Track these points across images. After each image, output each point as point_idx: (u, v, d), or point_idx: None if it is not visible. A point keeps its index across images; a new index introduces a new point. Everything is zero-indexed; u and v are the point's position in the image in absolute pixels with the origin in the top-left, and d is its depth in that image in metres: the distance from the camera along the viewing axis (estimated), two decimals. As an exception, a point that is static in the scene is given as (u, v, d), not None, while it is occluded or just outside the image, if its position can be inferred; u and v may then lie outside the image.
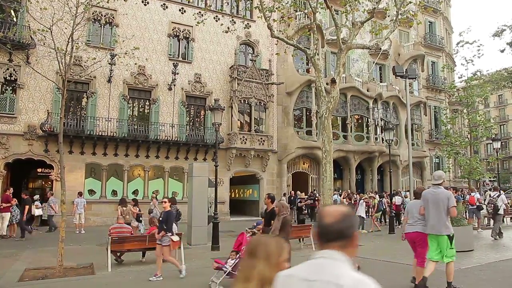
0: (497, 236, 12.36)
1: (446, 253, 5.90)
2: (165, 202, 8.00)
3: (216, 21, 21.50)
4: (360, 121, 26.42)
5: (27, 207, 13.91)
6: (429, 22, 33.12)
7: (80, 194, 16.09)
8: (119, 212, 11.74)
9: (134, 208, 12.66)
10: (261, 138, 22.00)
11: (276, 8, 13.53)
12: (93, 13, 16.71)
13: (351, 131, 25.27)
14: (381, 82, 28.58)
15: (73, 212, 15.46)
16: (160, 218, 7.85)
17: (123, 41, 16.39)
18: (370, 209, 17.36)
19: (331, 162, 12.76)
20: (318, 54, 15.55)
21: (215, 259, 7.04)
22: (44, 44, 10.02)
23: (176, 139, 19.81)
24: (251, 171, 22.63)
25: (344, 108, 25.17)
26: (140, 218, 12.71)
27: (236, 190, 26.38)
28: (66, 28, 9.37)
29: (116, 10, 19.45)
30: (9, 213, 13.67)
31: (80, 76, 16.70)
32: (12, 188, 14.53)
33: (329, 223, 1.61)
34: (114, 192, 19.12)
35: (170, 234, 7.55)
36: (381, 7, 25.19)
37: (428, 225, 6.03)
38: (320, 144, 17.32)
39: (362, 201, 15.58)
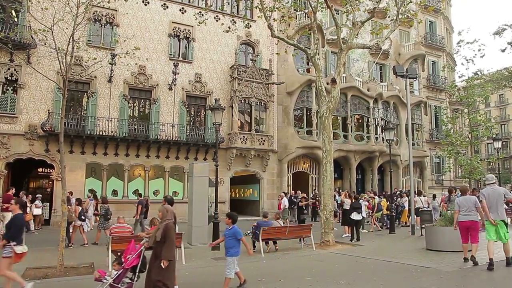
0: None
1: (506, 235, 7.80)
2: (11, 204, 6.64)
3: (217, 21, 21.55)
4: (360, 120, 26.42)
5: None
6: (429, 21, 33.10)
7: (71, 193, 16.03)
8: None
9: (77, 207, 12.79)
10: (262, 138, 22.01)
11: (277, 8, 13.56)
12: (93, 13, 16.74)
13: (351, 131, 25.27)
14: (381, 81, 28.59)
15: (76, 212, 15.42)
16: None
17: (124, 41, 16.40)
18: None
19: (332, 162, 12.80)
20: (318, 53, 15.58)
21: (99, 269, 6.31)
22: (45, 44, 10.04)
23: (176, 139, 19.83)
24: (252, 171, 22.64)
25: (345, 108, 25.18)
26: (83, 217, 12.77)
27: (237, 189, 26.39)
28: (67, 28, 9.39)
29: (116, 10, 19.47)
30: (11, 213, 13.68)
31: (80, 76, 16.74)
32: (14, 188, 14.55)
33: None
34: (115, 192, 19.14)
35: (14, 243, 6.10)
36: (382, 6, 25.27)
37: (491, 214, 7.80)
38: (320, 144, 17.36)
39: (362, 200, 15.56)
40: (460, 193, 8.99)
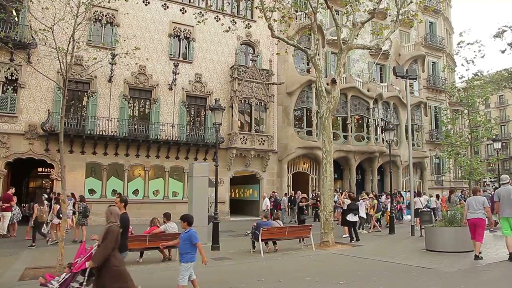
0: None
1: None
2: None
3: (217, 21, 21.56)
4: (360, 121, 26.43)
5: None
6: (429, 22, 33.12)
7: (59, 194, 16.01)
8: (35, 211, 12.28)
9: (55, 205, 13.10)
10: (262, 138, 22.01)
11: (277, 8, 13.57)
12: (94, 13, 16.70)
13: (351, 131, 25.27)
14: (381, 82, 28.60)
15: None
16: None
17: (124, 40, 16.39)
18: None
19: (332, 162, 12.80)
20: (318, 54, 15.61)
21: (46, 273, 5.90)
22: (45, 43, 10.04)
23: (176, 139, 19.83)
24: (252, 171, 22.64)
25: (345, 108, 25.18)
26: (61, 215, 12.84)
27: (237, 190, 26.40)
28: (67, 28, 9.38)
29: (117, 10, 19.47)
30: (10, 212, 13.71)
31: (81, 75, 16.73)
32: (14, 188, 14.54)
33: None
34: (115, 192, 19.13)
35: None
36: (382, 7, 25.27)
37: (503, 211, 8.61)
38: (320, 144, 17.35)
39: (362, 201, 15.57)
40: (472, 193, 9.98)
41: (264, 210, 18.06)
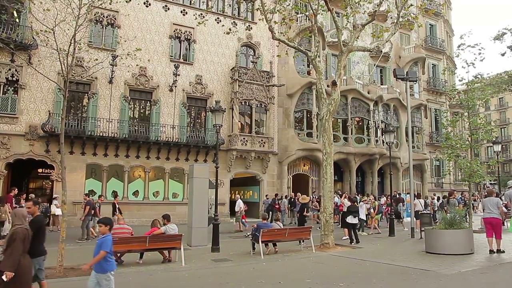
0: None
1: None
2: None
3: (218, 22, 21.62)
4: (360, 123, 26.44)
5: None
6: (430, 24, 33.18)
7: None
8: None
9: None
10: (262, 140, 22.02)
11: (278, 10, 13.59)
12: (95, 15, 16.75)
13: (351, 133, 25.28)
14: (381, 84, 28.63)
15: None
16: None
17: (125, 42, 16.44)
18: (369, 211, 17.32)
19: (332, 164, 12.81)
20: (319, 56, 15.60)
21: None
22: (46, 45, 10.07)
23: (176, 140, 19.84)
24: (252, 172, 22.65)
25: (345, 110, 25.20)
26: None
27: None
28: (68, 29, 9.41)
29: (118, 12, 19.52)
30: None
31: (81, 77, 16.76)
32: (16, 189, 14.53)
33: None
34: (115, 193, 19.11)
35: None
36: (382, 9, 25.32)
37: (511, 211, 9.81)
38: (320, 146, 17.37)
39: (362, 203, 15.58)
40: (486, 194, 10.99)
41: (237, 211, 17.55)
